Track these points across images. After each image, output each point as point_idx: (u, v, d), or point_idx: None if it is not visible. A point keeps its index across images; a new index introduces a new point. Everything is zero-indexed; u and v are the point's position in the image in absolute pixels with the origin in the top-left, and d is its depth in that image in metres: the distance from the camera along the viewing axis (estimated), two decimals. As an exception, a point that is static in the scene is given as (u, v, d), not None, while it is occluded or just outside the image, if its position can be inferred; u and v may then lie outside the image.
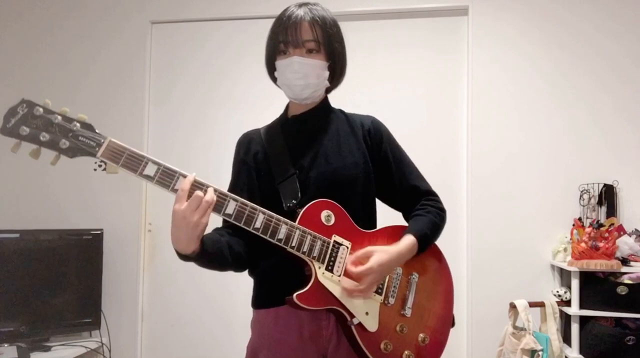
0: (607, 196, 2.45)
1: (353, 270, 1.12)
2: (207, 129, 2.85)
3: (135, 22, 2.92)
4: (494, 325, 2.44)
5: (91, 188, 2.85)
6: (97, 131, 1.01)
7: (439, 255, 1.33)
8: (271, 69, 1.28)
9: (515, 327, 2.28)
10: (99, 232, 2.70)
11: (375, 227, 1.29)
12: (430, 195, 1.32)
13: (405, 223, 1.29)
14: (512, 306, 2.30)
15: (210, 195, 1.03)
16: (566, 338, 2.36)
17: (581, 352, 2.25)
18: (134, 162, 1.02)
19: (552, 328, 2.28)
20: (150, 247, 2.85)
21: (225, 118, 2.83)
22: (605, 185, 2.47)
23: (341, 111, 1.36)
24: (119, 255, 2.80)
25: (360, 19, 2.77)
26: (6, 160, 2.89)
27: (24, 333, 2.45)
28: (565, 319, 2.39)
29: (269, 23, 1.30)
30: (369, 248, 1.16)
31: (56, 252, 2.59)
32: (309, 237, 1.13)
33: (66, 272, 2.60)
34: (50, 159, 1.01)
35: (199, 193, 1.02)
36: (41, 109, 0.98)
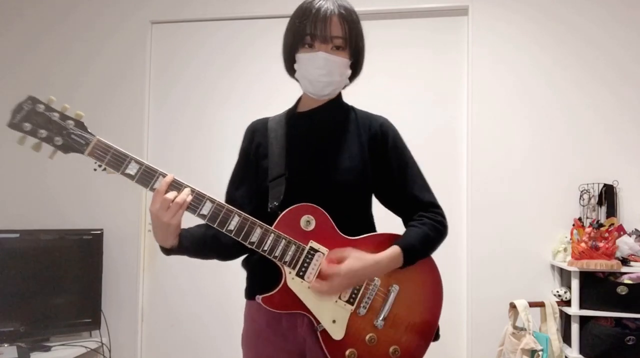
0: (607, 196, 2.45)
1: (323, 267, 1.13)
2: (207, 128, 2.85)
3: (135, 22, 2.91)
4: (494, 325, 2.44)
5: (91, 188, 2.85)
6: (88, 130, 1.09)
7: (431, 267, 1.26)
8: (290, 59, 1.24)
9: (515, 327, 2.28)
10: (99, 232, 2.70)
11: (367, 232, 1.25)
12: (431, 207, 1.27)
13: (394, 232, 1.25)
14: (512, 306, 2.30)
15: (182, 197, 1.08)
16: (566, 338, 2.36)
17: (581, 352, 2.25)
18: (117, 161, 1.09)
19: (552, 328, 2.28)
20: (150, 247, 2.85)
21: (225, 118, 2.82)
22: (605, 185, 2.47)
23: (353, 109, 1.33)
24: (119, 255, 2.80)
25: (360, 19, 2.76)
26: (6, 161, 2.89)
27: (24, 333, 2.45)
28: (565, 319, 2.39)
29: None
30: (348, 250, 1.14)
31: (56, 252, 2.59)
32: (282, 241, 1.13)
33: (66, 272, 2.60)
34: (49, 153, 1.09)
35: (168, 195, 1.07)
36: (42, 107, 1.06)
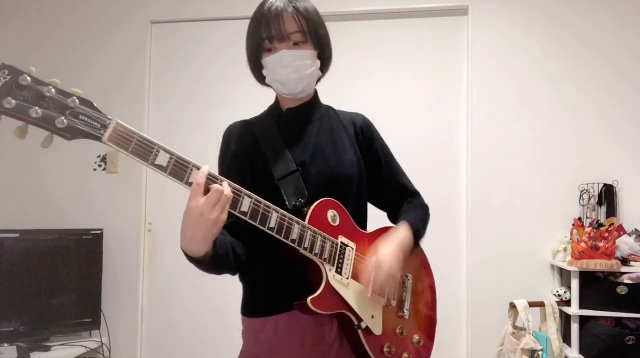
0: (607, 196, 2.45)
1: (373, 287, 1.10)
2: (208, 129, 2.84)
3: (135, 22, 2.91)
4: (494, 325, 2.44)
5: (91, 188, 2.85)
6: (99, 110, 0.87)
7: (423, 256, 1.33)
8: (257, 67, 1.22)
9: (515, 327, 2.28)
10: (99, 232, 2.70)
11: (366, 228, 1.26)
12: (416, 195, 1.35)
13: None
14: (512, 306, 2.30)
15: (229, 190, 0.94)
16: (566, 338, 2.36)
17: (581, 352, 2.25)
18: (145, 150, 0.89)
19: (552, 328, 2.28)
20: (150, 247, 2.85)
21: (226, 119, 2.78)
22: (605, 185, 2.47)
23: (331, 108, 1.33)
24: (119, 255, 2.80)
25: (360, 19, 2.77)
26: (6, 160, 2.89)
27: (24, 333, 2.45)
28: (565, 319, 2.39)
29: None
30: (374, 259, 1.13)
31: (56, 252, 2.59)
32: (319, 238, 1.07)
33: (66, 272, 2.60)
34: (41, 141, 0.83)
35: (218, 187, 0.92)
36: (29, 79, 0.80)
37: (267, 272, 1.17)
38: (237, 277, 1.24)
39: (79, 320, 2.62)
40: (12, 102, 0.77)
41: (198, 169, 0.94)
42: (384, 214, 1.38)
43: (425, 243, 1.31)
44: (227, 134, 1.28)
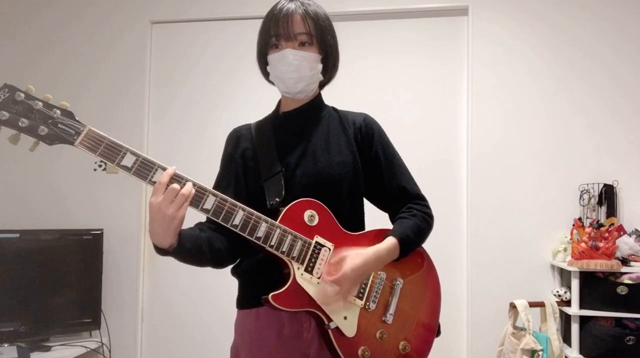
0: (607, 196, 2.45)
1: (326, 278, 1.11)
2: (209, 130, 2.85)
3: (136, 22, 2.91)
4: (494, 325, 2.44)
5: (91, 188, 2.85)
6: (77, 119, 1.01)
7: (428, 263, 1.30)
8: (263, 63, 1.27)
9: (515, 327, 2.28)
10: (99, 232, 2.70)
11: (363, 228, 1.28)
12: (418, 199, 1.30)
13: (385, 227, 1.27)
14: (512, 306, 2.31)
15: (187, 189, 1.02)
16: (566, 338, 2.36)
17: (581, 352, 2.25)
18: (112, 152, 1.01)
19: (552, 328, 2.29)
20: (150, 247, 2.84)
21: (228, 120, 2.81)
22: (605, 185, 2.47)
23: (334, 109, 1.35)
24: (119, 255, 2.80)
25: (359, 19, 2.77)
26: (6, 160, 2.89)
27: (24, 333, 2.45)
28: (565, 319, 2.39)
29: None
30: (342, 253, 1.13)
31: (56, 252, 2.59)
32: (289, 236, 1.11)
33: (66, 272, 2.60)
34: (29, 146, 1.01)
35: (175, 186, 1.01)
36: (22, 95, 0.98)
37: (253, 266, 1.21)
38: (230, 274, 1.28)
39: (79, 320, 2.62)
40: (5, 114, 0.96)
41: (164, 169, 1.04)
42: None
43: (425, 243, 1.30)
44: (228, 138, 1.35)
